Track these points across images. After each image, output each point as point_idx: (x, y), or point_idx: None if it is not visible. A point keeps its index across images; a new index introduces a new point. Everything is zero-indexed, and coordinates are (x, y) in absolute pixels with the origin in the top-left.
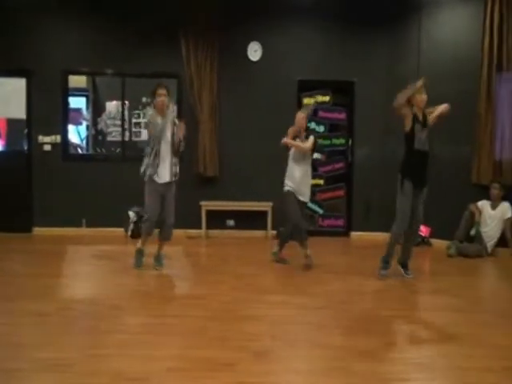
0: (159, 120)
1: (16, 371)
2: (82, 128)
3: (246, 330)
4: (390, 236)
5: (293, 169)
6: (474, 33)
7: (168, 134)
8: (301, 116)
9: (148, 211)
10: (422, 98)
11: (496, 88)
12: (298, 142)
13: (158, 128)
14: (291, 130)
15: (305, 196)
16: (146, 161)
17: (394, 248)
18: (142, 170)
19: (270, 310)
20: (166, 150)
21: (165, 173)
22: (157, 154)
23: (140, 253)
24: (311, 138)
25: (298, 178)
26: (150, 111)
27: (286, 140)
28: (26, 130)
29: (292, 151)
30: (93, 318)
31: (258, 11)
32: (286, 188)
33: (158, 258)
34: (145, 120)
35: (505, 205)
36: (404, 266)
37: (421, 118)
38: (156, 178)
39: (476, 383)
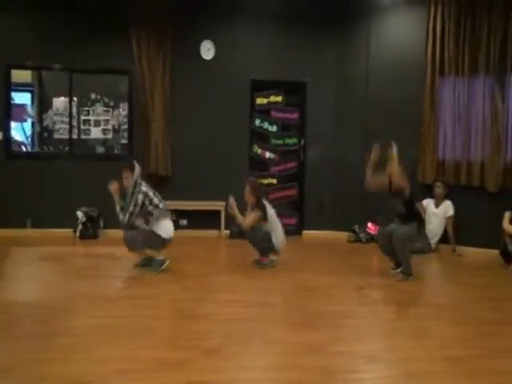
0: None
1: None
2: (28, 125)
3: (196, 329)
4: None
5: None
6: (418, 38)
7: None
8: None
9: None
10: (392, 169)
11: (438, 92)
12: (239, 216)
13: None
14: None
15: None
16: None
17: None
18: None
19: (221, 309)
20: None
21: None
22: None
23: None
24: (253, 215)
25: None
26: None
27: (232, 210)
28: None
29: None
30: (37, 321)
31: (210, 9)
32: None
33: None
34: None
35: (447, 203)
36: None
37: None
38: None
39: (418, 372)
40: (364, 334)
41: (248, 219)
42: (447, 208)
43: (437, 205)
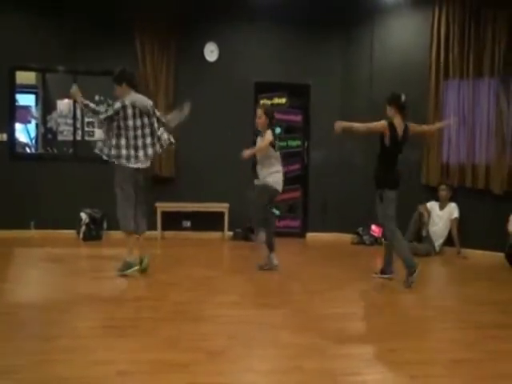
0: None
1: None
2: (32, 127)
3: (199, 331)
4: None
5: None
6: (422, 40)
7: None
8: (258, 112)
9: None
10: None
11: (443, 94)
12: (255, 147)
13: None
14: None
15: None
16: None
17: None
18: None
19: (224, 311)
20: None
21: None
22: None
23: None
24: (268, 132)
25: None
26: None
27: (247, 153)
28: None
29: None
30: (39, 322)
31: (214, 11)
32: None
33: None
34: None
35: (452, 205)
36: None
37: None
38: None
39: (422, 376)
40: (367, 336)
41: (263, 142)
42: (452, 210)
43: (441, 207)
